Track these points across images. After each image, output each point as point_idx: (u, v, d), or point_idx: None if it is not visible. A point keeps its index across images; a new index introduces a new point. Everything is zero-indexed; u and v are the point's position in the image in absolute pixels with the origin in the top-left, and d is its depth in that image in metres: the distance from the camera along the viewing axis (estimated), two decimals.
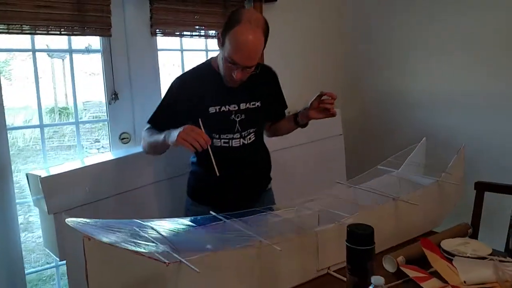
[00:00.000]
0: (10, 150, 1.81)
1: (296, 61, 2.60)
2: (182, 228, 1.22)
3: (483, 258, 1.31)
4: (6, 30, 1.72)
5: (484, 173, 1.90)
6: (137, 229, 1.09)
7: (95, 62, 2.04)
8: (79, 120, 2.05)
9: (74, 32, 1.87)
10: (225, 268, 1.08)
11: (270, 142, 1.82)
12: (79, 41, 1.99)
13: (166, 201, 1.99)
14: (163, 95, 1.64)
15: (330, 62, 2.84)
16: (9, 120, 1.86)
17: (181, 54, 2.29)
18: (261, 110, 1.65)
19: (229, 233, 1.21)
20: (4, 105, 1.77)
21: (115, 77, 2.04)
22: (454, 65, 2.39)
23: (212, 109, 1.56)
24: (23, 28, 1.76)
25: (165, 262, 0.96)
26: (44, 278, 2.44)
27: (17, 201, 1.85)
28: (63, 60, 2.33)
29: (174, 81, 1.60)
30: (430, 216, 1.60)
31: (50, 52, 2.30)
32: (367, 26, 2.79)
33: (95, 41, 2.02)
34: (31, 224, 2.54)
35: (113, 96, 2.06)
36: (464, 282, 1.18)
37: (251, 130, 1.63)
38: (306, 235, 1.24)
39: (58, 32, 1.83)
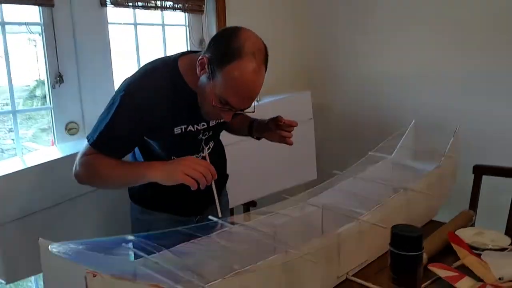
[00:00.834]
0: None
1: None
2: (183, 241, 0.99)
3: (503, 249, 1.22)
4: None
5: (474, 156, 1.83)
6: (138, 252, 0.85)
7: (34, 38, 1.69)
8: (16, 109, 1.69)
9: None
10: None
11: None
12: (14, 12, 1.62)
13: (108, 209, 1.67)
14: (115, 86, 1.29)
15: (298, 45, 2.67)
16: None
17: (134, 28, 1.99)
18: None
19: (242, 243, 1.00)
20: None
21: (59, 55, 1.71)
22: (424, 44, 2.31)
23: (177, 130, 1.24)
24: None
25: None
26: None
27: None
28: None
29: (127, 95, 1.16)
30: (432, 205, 1.50)
31: None
32: (335, 9, 2.64)
33: (34, 12, 1.67)
34: None
35: (57, 78, 1.72)
36: (500, 278, 1.08)
37: (213, 141, 1.40)
38: (327, 238, 1.07)
39: None
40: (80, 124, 1.83)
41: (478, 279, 1.09)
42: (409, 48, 2.37)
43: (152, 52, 2.06)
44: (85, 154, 1.19)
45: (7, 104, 1.68)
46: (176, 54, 1.25)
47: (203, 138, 1.32)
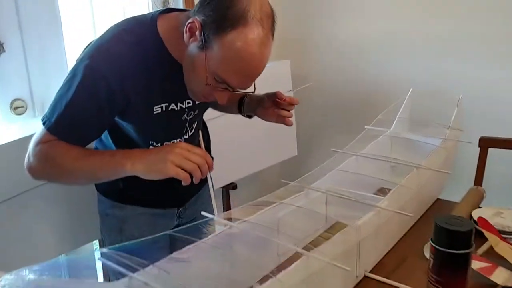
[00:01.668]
0: None
1: None
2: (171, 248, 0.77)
3: None
4: None
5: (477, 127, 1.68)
6: (118, 268, 0.63)
7: None
8: None
9: None
10: None
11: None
12: None
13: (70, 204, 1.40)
14: (69, 56, 1.06)
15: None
16: None
17: None
18: None
19: (247, 248, 0.80)
20: None
21: None
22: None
23: (157, 109, 1.00)
24: None
25: None
26: None
27: None
28: None
29: (92, 64, 0.91)
30: (440, 184, 1.36)
31: None
32: None
33: None
34: None
35: None
36: None
37: (197, 121, 1.17)
38: (347, 233, 0.89)
39: None
40: (27, 102, 1.55)
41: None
42: (397, 10, 2.15)
43: (109, 15, 1.78)
44: (41, 141, 0.93)
45: None
46: (154, 12, 0.99)
47: (188, 118, 1.09)
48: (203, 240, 0.79)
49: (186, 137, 1.12)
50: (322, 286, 0.80)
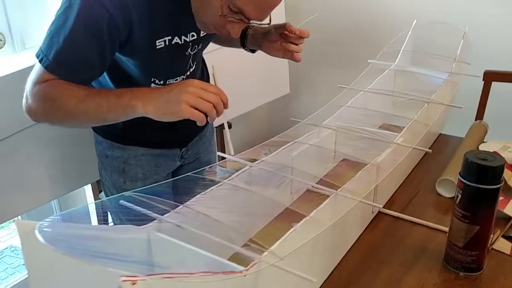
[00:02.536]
0: None
1: None
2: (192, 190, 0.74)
3: None
4: None
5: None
6: (144, 211, 0.59)
7: None
8: None
9: None
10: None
11: None
12: None
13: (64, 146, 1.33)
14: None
15: None
16: None
17: None
18: None
19: (264, 186, 0.78)
20: None
21: None
22: None
23: (160, 42, 0.92)
24: None
25: (241, 271, 0.52)
26: None
27: None
28: None
29: None
30: (444, 118, 1.35)
31: None
32: None
33: None
34: None
35: None
36: None
37: (200, 56, 1.10)
38: (364, 171, 0.86)
39: None
40: (6, 35, 1.43)
41: None
42: None
43: None
44: (39, 80, 0.84)
45: None
46: None
47: (192, 53, 1.01)
48: (225, 180, 0.75)
49: (188, 73, 1.06)
50: (344, 222, 0.78)
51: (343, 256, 0.84)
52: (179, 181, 0.78)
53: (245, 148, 0.93)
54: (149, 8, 0.87)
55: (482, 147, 1.19)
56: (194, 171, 0.77)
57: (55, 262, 0.41)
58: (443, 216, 0.98)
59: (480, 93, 1.54)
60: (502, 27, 1.83)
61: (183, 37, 0.96)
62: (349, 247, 0.87)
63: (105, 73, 0.98)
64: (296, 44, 1.08)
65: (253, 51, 1.18)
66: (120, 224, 0.61)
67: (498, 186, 0.72)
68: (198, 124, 0.81)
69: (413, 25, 1.48)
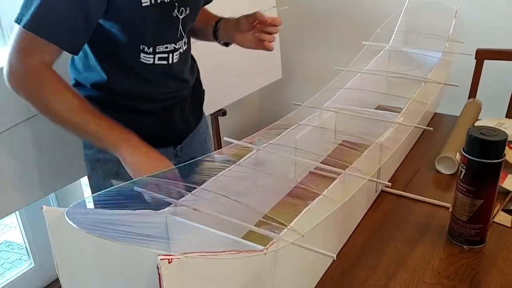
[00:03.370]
0: None
1: None
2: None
3: None
4: None
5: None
6: (161, 197, 0.60)
7: None
8: None
9: None
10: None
11: None
12: None
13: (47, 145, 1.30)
14: None
15: None
16: None
17: None
18: None
19: (282, 167, 0.79)
20: None
21: None
22: None
23: (145, 0, 0.87)
24: None
25: (262, 250, 0.53)
26: None
27: None
28: None
29: None
30: (439, 97, 1.37)
31: None
32: None
33: None
34: None
35: None
36: None
37: (188, 30, 1.03)
38: (369, 150, 0.88)
39: None
40: None
41: None
42: None
43: None
44: (22, 47, 0.81)
45: None
46: None
47: (180, 17, 0.95)
48: (235, 164, 0.76)
49: (180, 45, 0.99)
50: (351, 201, 0.80)
51: (351, 234, 0.86)
52: (187, 166, 0.78)
53: (239, 134, 0.93)
54: None
55: (477, 125, 1.21)
56: (203, 156, 0.78)
57: (87, 247, 0.42)
58: (443, 192, 1.00)
59: (473, 71, 1.56)
60: (492, 5, 1.86)
61: None
62: (356, 225, 0.88)
63: (90, 52, 0.94)
64: (270, 33, 1.05)
65: (226, 45, 1.15)
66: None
67: (501, 160, 0.74)
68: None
69: (405, 5, 1.49)
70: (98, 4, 0.82)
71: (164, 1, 0.89)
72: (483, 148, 0.74)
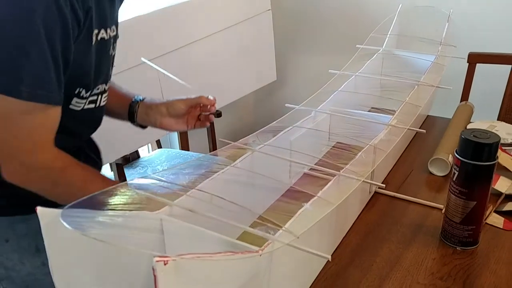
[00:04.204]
0: None
1: None
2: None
3: None
4: None
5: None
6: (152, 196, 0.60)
7: None
8: None
9: None
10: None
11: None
12: None
13: None
14: None
15: None
16: None
17: None
18: None
19: (265, 170, 0.79)
20: None
21: None
22: None
23: (94, 35, 0.78)
24: None
25: (257, 251, 0.53)
26: None
27: None
28: None
29: None
30: (432, 100, 1.38)
31: None
32: None
33: None
34: None
35: None
36: None
37: None
38: (363, 152, 0.89)
39: None
40: None
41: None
42: None
43: None
44: (30, 126, 0.69)
45: None
46: None
47: (112, 54, 0.87)
48: (232, 165, 0.77)
49: (107, 87, 0.90)
50: (346, 202, 0.80)
51: (345, 235, 0.87)
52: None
53: (234, 136, 0.93)
54: None
55: (469, 127, 1.22)
56: (198, 157, 0.78)
57: (82, 248, 0.42)
58: (436, 194, 1.01)
59: (465, 74, 1.58)
60: (485, 9, 1.88)
61: (108, 30, 0.82)
62: (350, 226, 0.89)
63: None
64: (210, 112, 1.03)
65: (143, 127, 1.07)
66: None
67: (493, 162, 0.75)
68: None
69: (398, 9, 1.50)
70: (66, 48, 0.71)
71: (104, 38, 0.81)
72: (476, 150, 0.74)
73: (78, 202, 0.51)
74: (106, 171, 1.73)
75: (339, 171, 0.76)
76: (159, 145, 2.02)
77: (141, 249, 0.44)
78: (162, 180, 0.63)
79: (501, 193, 0.96)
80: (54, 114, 0.72)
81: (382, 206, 0.97)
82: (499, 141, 0.74)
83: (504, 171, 1.01)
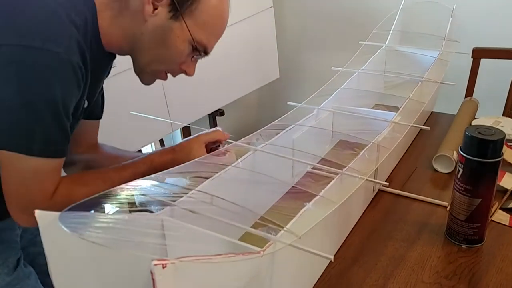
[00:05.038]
0: None
1: None
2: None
3: None
4: None
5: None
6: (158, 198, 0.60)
7: None
8: None
9: None
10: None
11: None
12: None
13: None
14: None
15: None
16: None
17: None
18: None
19: (268, 169, 0.78)
20: None
21: None
22: None
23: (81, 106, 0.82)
24: None
25: (258, 252, 0.53)
26: None
27: None
28: None
29: (56, 49, 0.67)
30: (435, 95, 1.37)
31: None
32: None
33: None
34: None
35: None
36: None
37: None
38: (366, 150, 0.88)
39: None
40: None
41: None
42: None
43: None
44: (42, 178, 0.73)
45: None
46: None
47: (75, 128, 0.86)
48: (234, 164, 0.76)
49: None
50: (349, 201, 0.80)
51: (348, 234, 0.86)
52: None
53: (237, 134, 0.93)
54: (87, 71, 0.75)
55: (474, 123, 1.21)
56: (202, 157, 0.77)
57: (81, 251, 0.42)
58: (441, 191, 1.00)
59: (469, 70, 1.56)
60: (488, 4, 1.86)
61: (85, 101, 0.83)
62: (354, 225, 0.88)
63: None
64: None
65: None
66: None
67: (498, 159, 0.74)
68: None
69: (401, 5, 1.49)
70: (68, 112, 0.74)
71: (84, 107, 0.84)
72: (481, 147, 0.73)
73: (77, 204, 0.50)
74: None
75: (342, 170, 0.75)
76: (162, 144, 2.02)
77: (140, 252, 0.43)
78: (163, 182, 0.63)
79: (506, 190, 0.95)
80: (61, 162, 0.75)
81: (386, 204, 0.96)
82: (504, 137, 0.73)
83: (510, 167, 1.00)
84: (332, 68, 1.23)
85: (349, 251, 0.82)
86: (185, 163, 0.73)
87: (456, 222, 0.81)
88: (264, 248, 0.54)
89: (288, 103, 1.07)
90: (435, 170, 1.07)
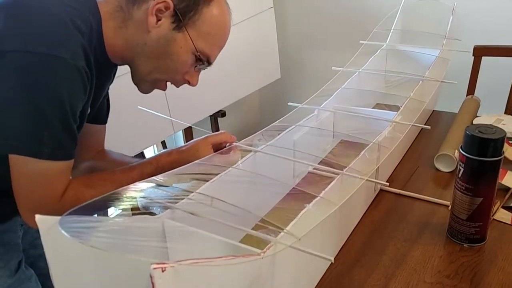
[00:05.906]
0: None
1: None
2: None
3: None
4: None
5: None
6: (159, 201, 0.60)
7: None
8: None
9: None
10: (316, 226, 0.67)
11: None
12: None
13: None
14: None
15: None
16: None
17: None
18: None
19: (268, 170, 0.78)
20: None
21: None
22: None
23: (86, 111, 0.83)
24: None
25: (259, 253, 0.53)
26: None
27: None
28: None
29: (63, 54, 0.68)
30: (436, 94, 1.36)
31: None
32: None
33: None
34: None
35: None
36: None
37: None
38: (367, 150, 0.88)
39: None
40: None
41: None
42: None
43: None
44: (51, 181, 0.73)
45: None
46: None
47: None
48: (234, 166, 0.76)
49: None
50: (350, 201, 0.80)
51: (350, 234, 0.86)
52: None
53: (239, 135, 0.93)
54: (91, 77, 0.76)
55: (476, 122, 1.21)
56: (201, 159, 0.78)
57: (82, 256, 0.42)
58: (443, 190, 1.00)
59: (471, 68, 1.56)
60: (489, 2, 1.85)
61: (89, 109, 0.84)
62: (355, 225, 0.88)
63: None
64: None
65: None
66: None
67: (499, 158, 0.74)
68: None
69: (402, 3, 1.49)
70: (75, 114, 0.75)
71: (84, 116, 0.83)
72: (481, 146, 0.73)
73: (81, 207, 0.51)
74: None
75: (343, 170, 0.75)
76: (164, 146, 2.03)
77: (140, 256, 0.43)
78: (164, 185, 0.63)
79: (508, 188, 0.95)
80: (70, 164, 0.76)
81: (387, 204, 0.96)
82: (505, 136, 0.73)
83: None
84: (333, 68, 1.23)
85: (350, 251, 0.82)
86: (190, 163, 0.74)
87: (458, 221, 0.80)
88: (265, 250, 0.54)
89: (289, 103, 1.07)
90: (437, 169, 1.07)
